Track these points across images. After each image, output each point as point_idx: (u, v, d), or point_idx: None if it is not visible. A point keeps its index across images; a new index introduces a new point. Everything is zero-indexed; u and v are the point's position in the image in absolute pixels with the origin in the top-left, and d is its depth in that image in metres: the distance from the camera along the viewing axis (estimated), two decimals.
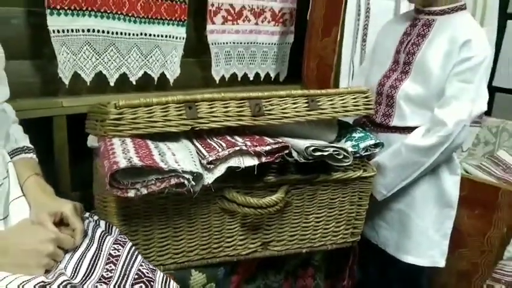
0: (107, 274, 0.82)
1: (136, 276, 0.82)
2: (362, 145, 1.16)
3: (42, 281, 0.74)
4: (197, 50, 1.71)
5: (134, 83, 1.51)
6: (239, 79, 1.86)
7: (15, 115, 1.03)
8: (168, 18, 1.53)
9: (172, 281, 0.85)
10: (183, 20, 1.57)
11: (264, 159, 0.98)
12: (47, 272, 0.79)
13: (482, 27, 2.34)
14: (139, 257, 0.87)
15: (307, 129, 1.13)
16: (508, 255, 1.45)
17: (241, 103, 1.02)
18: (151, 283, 0.81)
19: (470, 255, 1.47)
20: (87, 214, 0.98)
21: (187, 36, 1.60)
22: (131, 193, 0.88)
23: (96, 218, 0.98)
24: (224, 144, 0.97)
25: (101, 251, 0.87)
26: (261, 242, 1.14)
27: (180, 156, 0.92)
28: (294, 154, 1.05)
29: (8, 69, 0.96)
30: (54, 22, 1.28)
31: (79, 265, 0.83)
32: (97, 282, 0.79)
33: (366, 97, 1.17)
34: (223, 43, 1.74)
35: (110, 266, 0.83)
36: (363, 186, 1.20)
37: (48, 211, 0.87)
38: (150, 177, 0.88)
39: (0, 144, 0.94)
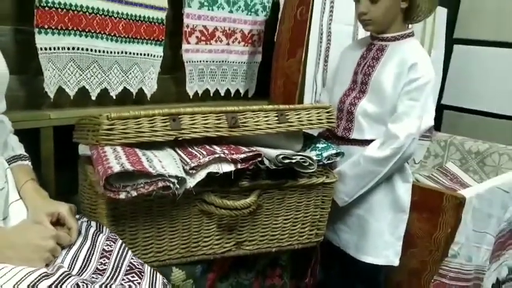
0: (101, 267, 0.91)
1: (128, 268, 0.91)
2: (325, 154, 1.29)
3: (45, 272, 0.83)
4: (173, 67, 1.82)
5: (114, 97, 1.60)
6: (211, 94, 1.98)
7: (11, 126, 1.11)
8: (147, 38, 1.64)
9: (158, 274, 0.95)
10: (160, 39, 1.69)
11: (239, 166, 1.11)
12: (47, 266, 0.88)
13: (431, 50, 2.56)
14: (130, 252, 0.97)
15: (277, 140, 1.26)
16: (452, 253, 1.60)
17: (219, 116, 1.14)
18: (142, 274, 0.91)
19: (419, 254, 1.60)
20: (77, 216, 1.07)
21: (164, 54, 1.71)
22: (122, 195, 0.99)
23: (86, 219, 1.07)
24: (204, 152, 1.10)
25: (95, 247, 0.96)
26: (235, 242, 1.26)
27: (166, 163, 1.04)
28: (266, 161, 1.18)
29: None
30: (41, 40, 1.36)
31: (75, 259, 0.92)
32: (93, 273, 0.89)
33: (328, 112, 1.32)
34: (197, 61, 1.87)
35: (104, 260, 0.93)
36: (325, 191, 1.35)
37: (45, 212, 0.96)
38: (139, 181, 0.99)
39: None
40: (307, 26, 1.84)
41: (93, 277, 0.88)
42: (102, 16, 1.49)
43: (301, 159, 1.21)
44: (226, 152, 1.11)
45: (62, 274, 0.83)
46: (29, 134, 1.29)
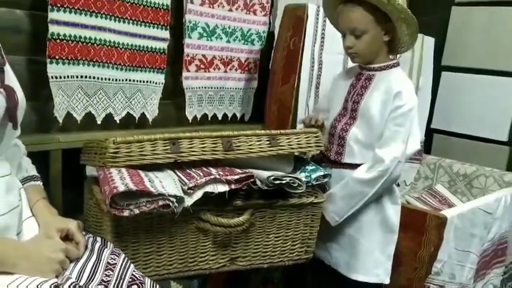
0: (106, 278, 1.00)
1: (130, 280, 0.99)
2: (313, 176, 1.38)
3: (56, 282, 0.92)
4: (173, 93, 1.93)
5: (118, 121, 1.71)
6: (209, 119, 2.09)
7: (24, 148, 1.22)
8: (150, 66, 1.76)
9: (158, 286, 1.04)
10: (162, 68, 1.80)
11: (233, 186, 1.21)
12: (57, 277, 0.97)
13: (420, 77, 2.68)
14: (132, 265, 1.06)
15: (269, 163, 1.35)
16: (435, 270, 1.67)
17: (215, 140, 1.24)
18: (143, 285, 1.00)
19: (405, 272, 1.66)
20: (84, 232, 1.17)
21: (166, 81, 1.83)
22: (126, 212, 1.08)
23: (92, 235, 1.17)
24: (201, 174, 1.20)
25: (100, 260, 1.05)
26: (229, 258, 1.35)
27: (166, 183, 1.14)
28: (258, 182, 1.27)
29: None
30: (53, 69, 1.47)
31: (82, 271, 1.01)
32: (98, 284, 0.98)
33: (317, 137, 1.41)
34: (196, 88, 1.98)
35: (108, 272, 1.01)
36: (314, 210, 1.44)
37: (56, 228, 1.06)
38: (141, 200, 1.09)
39: (13, 173, 1.12)
40: (299, 55, 1.96)
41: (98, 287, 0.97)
42: (109, 47, 1.61)
43: (290, 180, 1.30)
44: (221, 173, 1.21)
45: (70, 284, 0.91)
46: (39, 155, 1.39)
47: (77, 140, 1.46)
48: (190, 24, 1.87)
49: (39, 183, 1.17)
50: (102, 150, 1.16)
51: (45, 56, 1.47)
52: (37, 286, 0.89)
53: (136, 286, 0.98)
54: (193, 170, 1.23)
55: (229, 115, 2.18)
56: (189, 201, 1.16)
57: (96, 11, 1.55)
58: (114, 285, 0.97)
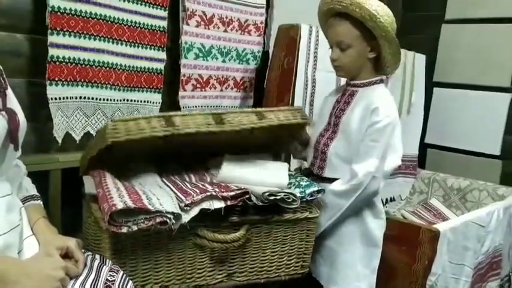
0: None
1: None
2: (308, 191, 1.41)
3: None
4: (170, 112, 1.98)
5: None
6: None
7: (25, 169, 1.25)
8: (147, 87, 1.81)
9: None
10: (159, 88, 1.85)
11: (229, 203, 1.24)
12: None
13: (412, 93, 2.73)
14: (130, 282, 1.08)
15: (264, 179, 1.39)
16: (430, 283, 1.69)
17: (207, 116, 1.28)
18: None
19: (400, 285, 1.69)
20: (82, 250, 1.19)
21: (163, 100, 1.88)
22: (124, 229, 1.11)
23: (90, 253, 1.19)
24: (198, 191, 1.23)
25: (99, 277, 1.07)
26: (226, 273, 1.37)
27: (163, 200, 1.17)
28: (253, 198, 1.30)
29: None
30: (52, 91, 1.52)
31: None
32: None
33: (302, 113, 1.45)
34: (193, 106, 2.02)
35: None
36: (309, 225, 1.46)
37: (55, 246, 1.08)
38: (139, 217, 1.12)
39: (14, 193, 1.15)
40: (293, 74, 2.01)
41: None
42: (107, 68, 1.65)
43: (285, 195, 1.34)
44: (217, 190, 1.24)
45: None
46: (39, 175, 1.42)
47: (76, 159, 1.49)
48: (186, 45, 1.92)
49: (39, 202, 1.20)
50: (101, 133, 1.18)
51: (44, 78, 1.51)
52: None
53: None
54: (190, 187, 1.26)
55: None
56: (186, 218, 1.19)
57: (95, 34, 1.60)
58: None
